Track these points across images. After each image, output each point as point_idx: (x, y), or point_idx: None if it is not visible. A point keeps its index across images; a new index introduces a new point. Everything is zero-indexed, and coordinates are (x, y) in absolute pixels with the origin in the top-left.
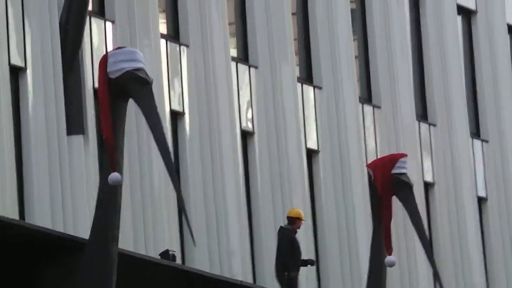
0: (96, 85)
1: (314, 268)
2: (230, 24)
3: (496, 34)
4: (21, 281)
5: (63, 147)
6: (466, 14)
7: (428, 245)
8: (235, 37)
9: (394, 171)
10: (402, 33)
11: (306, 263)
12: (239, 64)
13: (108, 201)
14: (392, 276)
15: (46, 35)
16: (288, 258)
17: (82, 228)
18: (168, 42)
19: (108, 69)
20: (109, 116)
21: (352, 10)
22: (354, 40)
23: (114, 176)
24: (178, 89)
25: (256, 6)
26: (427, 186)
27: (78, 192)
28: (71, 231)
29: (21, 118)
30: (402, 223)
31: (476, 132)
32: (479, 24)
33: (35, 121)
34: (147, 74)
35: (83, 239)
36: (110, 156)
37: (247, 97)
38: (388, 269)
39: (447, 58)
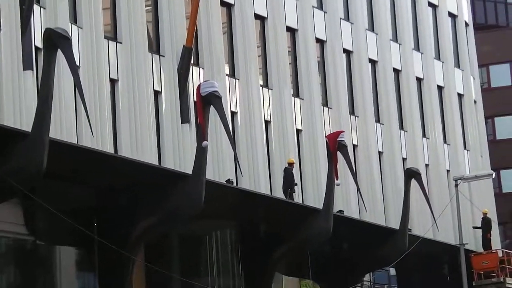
0: (195, 99)
1: (300, 189)
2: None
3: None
4: (143, 203)
5: (179, 131)
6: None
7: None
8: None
9: (339, 139)
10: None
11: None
12: (263, 88)
13: (201, 154)
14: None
15: (172, 72)
16: (291, 183)
17: (189, 168)
18: (229, 78)
19: (201, 91)
20: (202, 114)
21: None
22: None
23: (204, 143)
24: (234, 101)
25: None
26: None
27: (187, 151)
28: (183, 170)
29: (159, 120)
30: (343, 170)
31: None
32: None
33: (168, 120)
34: (219, 93)
35: (188, 173)
36: (202, 132)
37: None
38: (336, 187)
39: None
